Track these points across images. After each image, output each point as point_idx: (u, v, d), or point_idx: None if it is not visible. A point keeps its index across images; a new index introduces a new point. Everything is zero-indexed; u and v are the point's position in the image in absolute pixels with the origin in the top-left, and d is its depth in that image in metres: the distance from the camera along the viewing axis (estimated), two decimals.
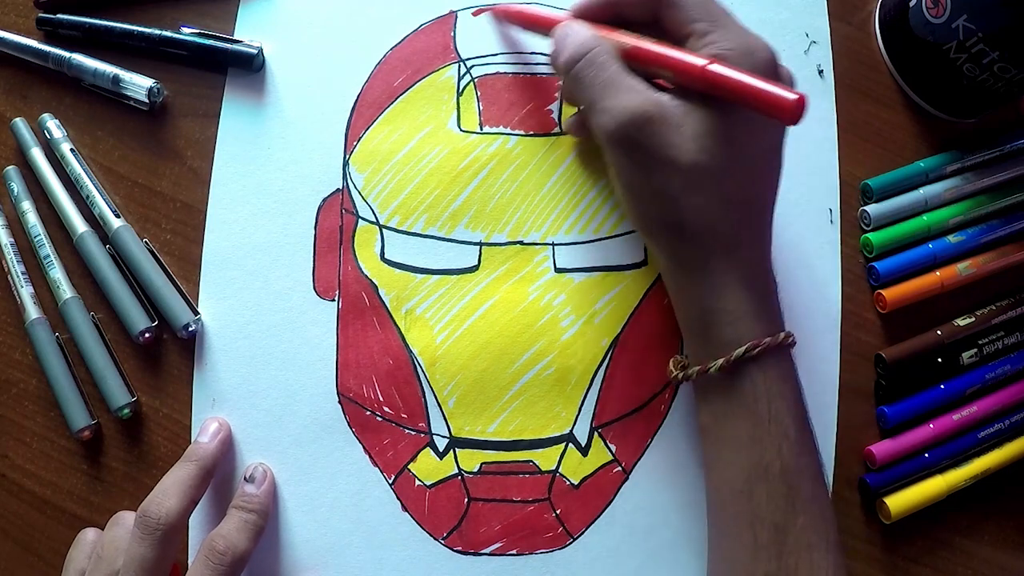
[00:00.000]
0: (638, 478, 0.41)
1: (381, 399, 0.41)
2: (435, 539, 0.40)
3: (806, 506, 0.33)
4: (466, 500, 0.40)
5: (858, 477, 0.42)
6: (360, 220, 0.42)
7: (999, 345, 0.44)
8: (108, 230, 0.42)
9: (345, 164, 0.43)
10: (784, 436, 0.33)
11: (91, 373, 0.40)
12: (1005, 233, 0.44)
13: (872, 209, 0.43)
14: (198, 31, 0.43)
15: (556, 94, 0.43)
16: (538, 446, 0.41)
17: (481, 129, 0.43)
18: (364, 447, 0.40)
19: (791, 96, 0.30)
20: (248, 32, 0.44)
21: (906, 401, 0.42)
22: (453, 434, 0.41)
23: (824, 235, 0.44)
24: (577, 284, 0.42)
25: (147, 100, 0.43)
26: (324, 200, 0.42)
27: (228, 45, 0.43)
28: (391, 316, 0.41)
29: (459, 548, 0.40)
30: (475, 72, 0.43)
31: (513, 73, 0.44)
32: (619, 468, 0.41)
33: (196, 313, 0.41)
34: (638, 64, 0.35)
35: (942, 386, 0.43)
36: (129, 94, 0.43)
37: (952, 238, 0.44)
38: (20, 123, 0.44)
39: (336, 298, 0.42)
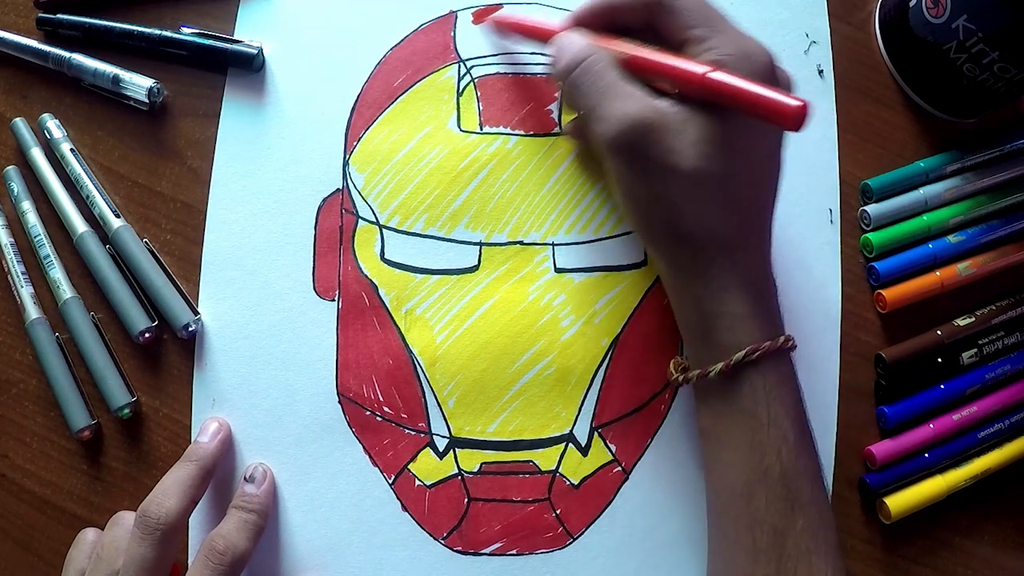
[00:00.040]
0: (638, 478, 0.41)
1: (381, 399, 0.41)
2: (435, 539, 0.40)
3: (805, 509, 0.33)
4: (466, 500, 0.40)
5: (858, 477, 0.42)
6: (360, 220, 0.42)
7: (999, 345, 0.44)
8: (108, 230, 0.42)
9: (345, 164, 0.43)
10: (783, 440, 0.33)
11: (91, 373, 0.40)
12: (1005, 233, 0.44)
13: (872, 209, 0.43)
14: (198, 31, 0.43)
15: (556, 94, 0.43)
16: (538, 446, 0.41)
17: (481, 129, 0.43)
18: (364, 447, 0.40)
19: (793, 103, 0.30)
20: (248, 32, 0.44)
21: (906, 401, 0.42)
22: (453, 434, 0.41)
23: (824, 235, 0.44)
24: (577, 284, 0.42)
25: (147, 100, 0.43)
26: (324, 200, 0.42)
27: (228, 45, 0.43)
28: (391, 316, 0.41)
29: (459, 548, 0.40)
30: (475, 72, 0.43)
31: (513, 73, 0.44)
32: (619, 468, 0.41)
33: (196, 313, 0.41)
34: (637, 72, 0.35)
35: (942, 386, 0.43)
36: (129, 94, 0.43)
37: (952, 238, 0.44)
38: (20, 123, 0.44)
39: (336, 298, 0.42)
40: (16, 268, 0.42)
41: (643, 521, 0.40)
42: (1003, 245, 0.44)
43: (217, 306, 0.41)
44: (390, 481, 0.40)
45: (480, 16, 0.44)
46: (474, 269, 0.42)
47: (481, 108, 0.43)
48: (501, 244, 0.42)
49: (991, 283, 0.44)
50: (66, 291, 0.41)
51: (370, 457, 0.40)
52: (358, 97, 0.43)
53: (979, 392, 0.43)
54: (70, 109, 0.44)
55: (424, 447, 0.40)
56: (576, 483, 0.40)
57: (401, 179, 0.42)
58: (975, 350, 0.43)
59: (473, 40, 0.44)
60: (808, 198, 0.44)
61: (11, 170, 0.43)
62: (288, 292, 0.41)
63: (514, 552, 0.40)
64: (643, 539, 0.40)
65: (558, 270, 0.42)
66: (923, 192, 0.44)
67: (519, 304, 0.41)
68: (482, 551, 0.40)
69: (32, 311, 0.41)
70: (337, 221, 0.42)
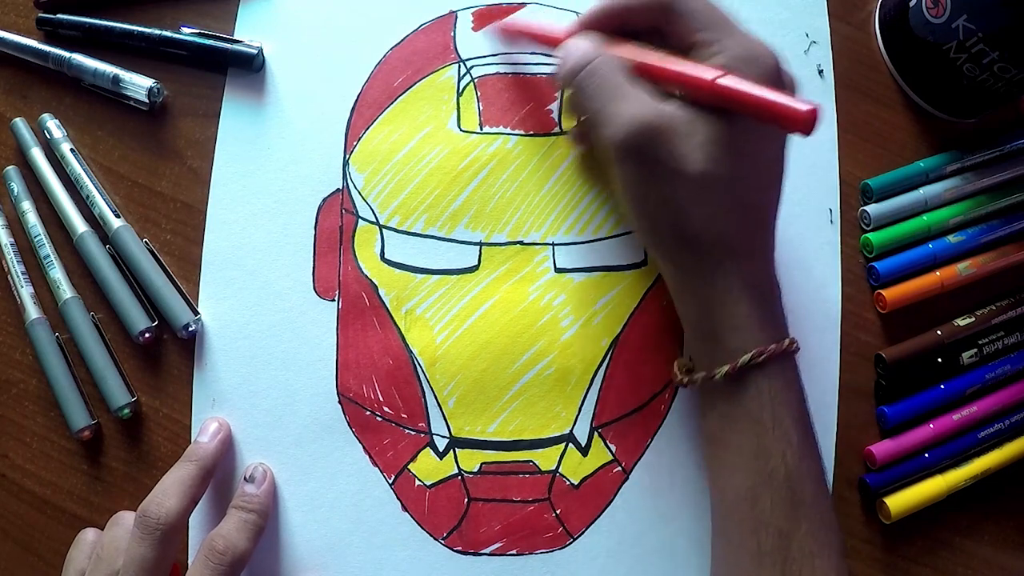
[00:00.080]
0: (638, 478, 0.41)
1: (381, 399, 0.41)
2: (435, 539, 0.40)
3: (809, 512, 0.33)
4: (466, 500, 0.40)
5: (858, 477, 0.42)
6: (360, 220, 0.42)
7: (999, 345, 0.44)
8: (108, 230, 0.42)
9: (345, 164, 0.43)
10: (788, 443, 0.33)
11: (91, 373, 0.40)
12: (1005, 233, 0.44)
13: (872, 209, 0.43)
14: (198, 31, 0.43)
15: (556, 94, 0.43)
16: (538, 446, 0.41)
17: (481, 129, 0.43)
18: (364, 447, 0.40)
19: (804, 107, 0.30)
20: (248, 32, 0.44)
21: (906, 401, 0.42)
22: (453, 434, 0.41)
23: (824, 235, 0.44)
24: (577, 284, 0.42)
25: (147, 100, 0.43)
26: (324, 200, 0.42)
27: (228, 45, 0.43)
28: (391, 316, 0.41)
29: (459, 548, 0.40)
30: (475, 72, 0.43)
31: (513, 73, 0.44)
32: (619, 468, 0.41)
33: (196, 313, 0.41)
34: (645, 77, 0.35)
35: (942, 386, 0.43)
36: (129, 94, 0.43)
37: (952, 238, 0.44)
38: (20, 123, 0.44)
39: (336, 298, 0.42)
40: (16, 268, 0.42)
41: (643, 521, 0.40)
42: (1003, 245, 0.44)
43: (217, 306, 0.41)
44: (390, 481, 0.40)
45: (481, 22, 0.44)
46: (474, 269, 0.42)
47: (481, 108, 0.43)
48: (501, 244, 0.42)
49: (991, 283, 0.44)
50: (66, 291, 0.41)
51: (370, 457, 0.40)
52: (358, 97, 0.43)
53: (979, 392, 0.43)
54: (70, 109, 0.44)
55: (424, 447, 0.40)
56: (576, 483, 0.40)
57: (401, 179, 0.42)
58: (975, 350, 0.43)
59: (473, 40, 0.44)
60: (808, 198, 0.44)
61: (11, 170, 0.43)
62: (288, 292, 0.41)
63: (514, 552, 0.40)
64: (643, 539, 0.40)
65: (558, 270, 0.42)
66: (923, 192, 0.44)
67: (519, 304, 0.41)
68: (482, 551, 0.40)
69: (32, 311, 0.41)
70: (337, 221, 0.42)
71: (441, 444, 0.41)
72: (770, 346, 0.34)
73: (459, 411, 0.41)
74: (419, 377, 0.41)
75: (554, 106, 0.43)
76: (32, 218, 0.42)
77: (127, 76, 0.43)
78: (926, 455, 0.42)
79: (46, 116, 0.44)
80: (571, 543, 0.40)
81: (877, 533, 0.42)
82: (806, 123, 0.30)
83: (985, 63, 0.40)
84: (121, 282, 0.41)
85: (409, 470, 0.40)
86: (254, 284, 0.42)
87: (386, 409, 0.41)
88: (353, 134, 0.43)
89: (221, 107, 0.43)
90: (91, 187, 0.42)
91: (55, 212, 0.42)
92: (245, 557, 0.36)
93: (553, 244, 0.42)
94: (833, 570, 0.32)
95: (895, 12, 0.45)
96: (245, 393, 0.41)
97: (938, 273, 0.43)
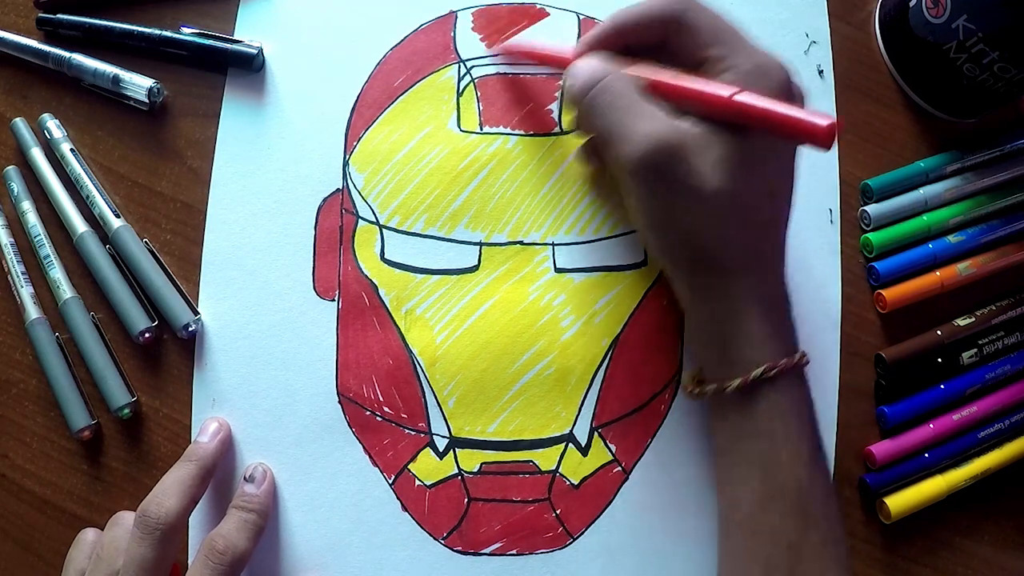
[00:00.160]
0: (638, 478, 0.41)
1: (381, 399, 0.41)
2: (435, 539, 0.40)
3: (818, 524, 0.33)
4: (466, 500, 0.40)
5: (858, 477, 0.42)
6: (360, 220, 0.42)
7: (999, 345, 0.44)
8: (108, 230, 0.42)
9: (345, 164, 0.43)
10: (798, 455, 0.33)
11: (91, 373, 0.40)
12: (1005, 233, 0.44)
13: (872, 209, 0.43)
14: (198, 31, 0.43)
15: (556, 94, 0.43)
16: (538, 446, 0.41)
17: (481, 129, 0.43)
18: (364, 447, 0.40)
19: (824, 122, 0.30)
20: (248, 32, 0.44)
21: (906, 401, 0.42)
22: (453, 434, 0.41)
23: (824, 235, 0.44)
24: (577, 284, 0.42)
25: (147, 100, 0.43)
26: (324, 200, 0.42)
27: (228, 45, 0.43)
28: (391, 316, 0.41)
29: (459, 548, 0.40)
30: (475, 72, 0.43)
31: (513, 73, 0.44)
32: (619, 468, 0.41)
33: (196, 313, 0.41)
34: (659, 95, 0.34)
35: (942, 386, 0.43)
36: (129, 94, 0.43)
37: (952, 238, 0.44)
38: (20, 123, 0.44)
39: (336, 298, 0.42)
40: (16, 268, 0.42)
41: (643, 521, 0.40)
42: (1003, 245, 0.44)
43: (217, 306, 0.41)
44: (390, 481, 0.40)
45: (481, 22, 0.44)
46: (474, 269, 0.42)
47: (481, 108, 0.43)
48: (501, 244, 0.42)
49: (991, 283, 0.44)
50: (66, 291, 0.41)
51: (370, 457, 0.40)
52: (358, 97, 0.43)
53: (979, 392, 0.43)
54: (70, 109, 0.44)
55: (424, 447, 0.40)
56: (576, 483, 0.40)
57: (401, 179, 0.42)
58: (975, 350, 0.43)
59: (473, 40, 0.44)
60: (808, 198, 0.44)
61: (11, 170, 0.43)
62: (288, 292, 0.41)
63: (514, 552, 0.40)
64: (643, 539, 0.40)
65: (558, 270, 0.42)
66: (923, 192, 0.44)
67: (519, 304, 0.41)
68: (482, 551, 0.40)
69: (32, 311, 0.41)
70: (337, 221, 0.42)
71: (441, 444, 0.41)
72: (782, 360, 0.34)
73: (459, 411, 0.41)
74: (419, 377, 0.41)
75: (554, 106, 0.43)
76: (32, 218, 0.42)
77: (127, 76, 0.43)
78: (926, 455, 0.42)
79: (46, 116, 0.44)
80: (571, 543, 0.40)
81: (877, 533, 0.42)
82: (826, 137, 0.30)
83: (985, 63, 0.40)
84: (121, 282, 0.41)
85: (409, 470, 0.40)
86: (254, 284, 0.42)
87: (386, 409, 0.41)
88: (353, 134, 0.43)
89: (221, 107, 0.43)
90: (91, 187, 0.42)
91: (55, 212, 0.42)
92: (245, 557, 0.36)
93: (553, 244, 0.42)
94: None
95: (895, 12, 0.45)
96: (245, 393, 0.41)
97: (938, 273, 0.43)
